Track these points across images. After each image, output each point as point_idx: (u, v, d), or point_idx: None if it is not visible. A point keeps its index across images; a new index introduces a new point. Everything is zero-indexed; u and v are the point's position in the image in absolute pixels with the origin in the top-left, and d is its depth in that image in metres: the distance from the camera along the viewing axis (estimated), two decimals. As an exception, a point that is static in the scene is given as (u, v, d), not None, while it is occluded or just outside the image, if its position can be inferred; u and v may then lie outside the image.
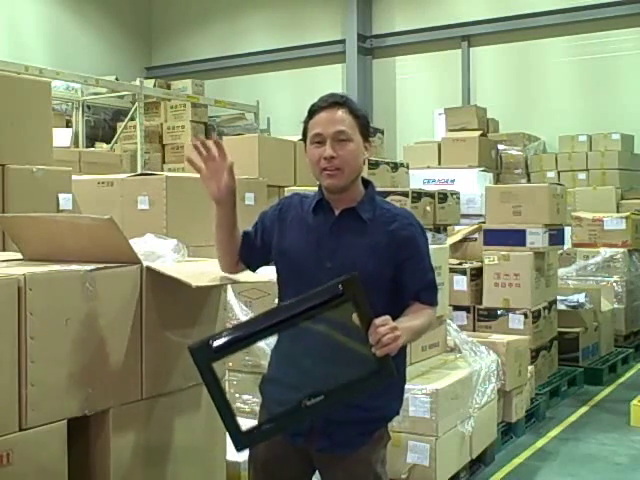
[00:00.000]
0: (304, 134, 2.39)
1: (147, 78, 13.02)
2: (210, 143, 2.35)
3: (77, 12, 14.55)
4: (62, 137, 9.73)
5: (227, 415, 2.11)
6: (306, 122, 2.38)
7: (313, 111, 2.35)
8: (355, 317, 2.05)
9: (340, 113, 2.31)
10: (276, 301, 2.50)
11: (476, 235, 6.63)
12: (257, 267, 2.56)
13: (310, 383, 2.15)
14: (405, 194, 5.84)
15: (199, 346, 2.09)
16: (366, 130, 2.38)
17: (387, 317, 2.08)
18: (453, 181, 8.99)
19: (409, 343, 2.28)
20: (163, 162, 11.32)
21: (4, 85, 3.80)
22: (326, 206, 2.39)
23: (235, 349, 2.14)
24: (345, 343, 2.16)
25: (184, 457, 2.67)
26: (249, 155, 5.80)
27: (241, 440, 2.12)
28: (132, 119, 11.09)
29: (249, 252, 2.48)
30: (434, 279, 2.43)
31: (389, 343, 2.04)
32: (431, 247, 2.50)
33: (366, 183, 2.43)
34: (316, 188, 2.45)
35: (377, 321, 2.04)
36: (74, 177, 4.11)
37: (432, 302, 2.39)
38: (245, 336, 2.10)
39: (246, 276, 2.61)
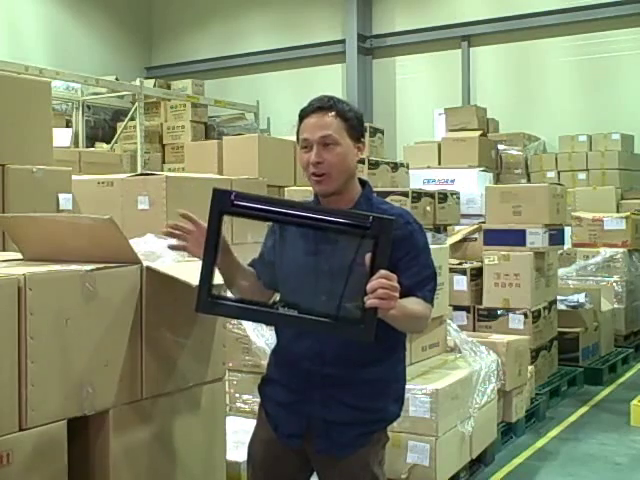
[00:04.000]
0: (298, 139, 2.39)
1: (147, 78, 13.03)
2: (181, 223, 2.26)
3: (77, 12, 14.56)
4: (62, 137, 9.74)
5: (207, 271, 2.10)
6: (298, 127, 2.37)
7: (302, 116, 2.35)
8: (368, 258, 1.97)
9: (327, 117, 2.30)
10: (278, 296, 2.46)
11: (476, 235, 6.63)
12: None
13: (295, 293, 2.13)
14: (405, 194, 5.86)
15: (222, 193, 2.08)
16: (356, 131, 2.34)
17: (394, 275, 1.99)
18: (453, 181, 9.00)
19: (396, 323, 2.15)
20: (163, 162, 11.33)
21: (4, 85, 3.80)
22: None
23: (249, 215, 2.12)
24: (345, 277, 2.09)
25: (184, 457, 2.66)
26: (249, 155, 5.81)
27: (203, 303, 2.10)
28: (132, 119, 11.10)
29: (270, 277, 2.42)
30: (431, 276, 2.34)
31: (383, 298, 1.95)
32: (431, 247, 2.46)
33: (363, 183, 2.41)
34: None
35: (383, 272, 1.96)
36: (74, 177, 4.12)
37: (425, 297, 2.28)
38: (263, 209, 2.08)
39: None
